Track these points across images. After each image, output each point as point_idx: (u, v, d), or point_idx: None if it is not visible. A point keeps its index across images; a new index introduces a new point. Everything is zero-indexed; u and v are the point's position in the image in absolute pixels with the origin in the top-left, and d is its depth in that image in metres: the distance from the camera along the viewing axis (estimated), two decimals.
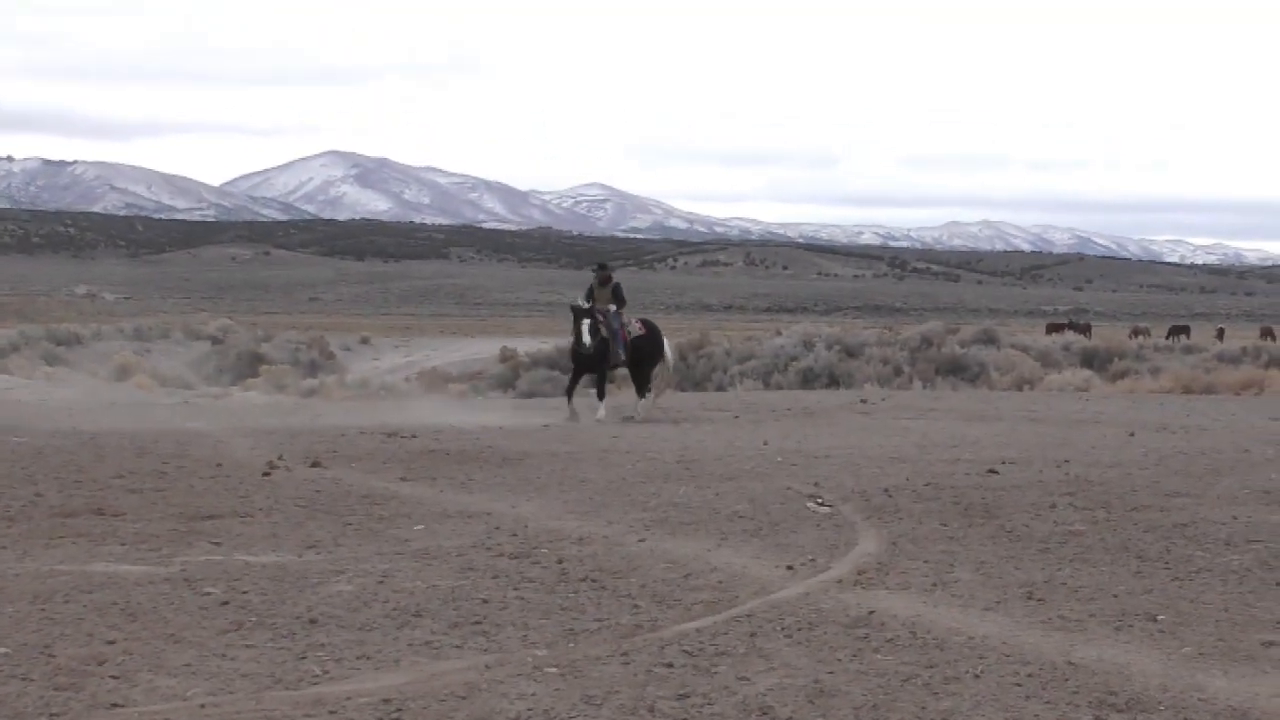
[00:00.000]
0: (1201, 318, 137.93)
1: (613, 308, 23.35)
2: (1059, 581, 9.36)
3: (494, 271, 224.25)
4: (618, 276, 24.27)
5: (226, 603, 8.52)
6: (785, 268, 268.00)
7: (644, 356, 23.52)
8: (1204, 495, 13.28)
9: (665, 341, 24.15)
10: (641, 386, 23.52)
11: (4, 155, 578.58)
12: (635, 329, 23.57)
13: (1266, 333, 72.73)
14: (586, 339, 22.72)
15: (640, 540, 10.75)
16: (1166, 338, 69.33)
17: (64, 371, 44.48)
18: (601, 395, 23.29)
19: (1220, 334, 77.90)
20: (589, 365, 23.10)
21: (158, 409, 26.54)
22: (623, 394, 27.86)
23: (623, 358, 23.23)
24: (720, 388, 38.65)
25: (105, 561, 9.76)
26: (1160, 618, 8.37)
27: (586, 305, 23.21)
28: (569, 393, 23.49)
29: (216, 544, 10.47)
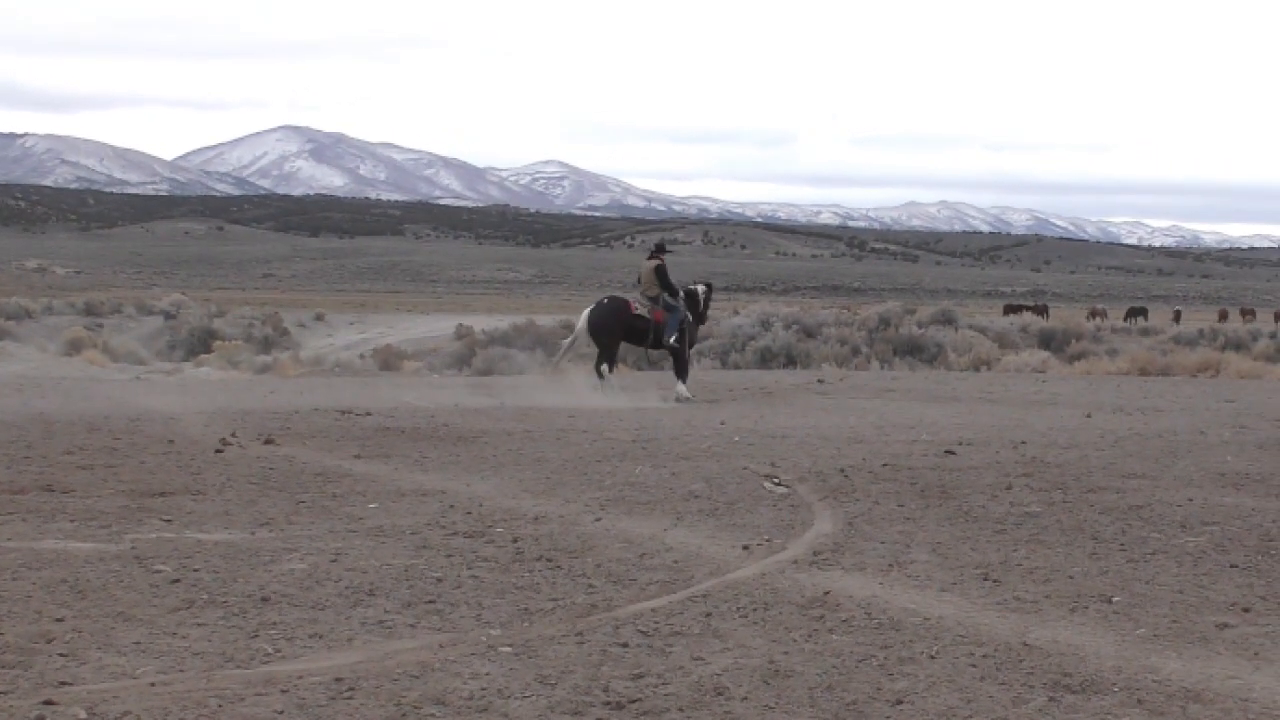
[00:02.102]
0: (1159, 300, 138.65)
1: (701, 289, 24.67)
2: (1015, 563, 9.36)
3: (450, 248, 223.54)
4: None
5: (178, 580, 8.44)
6: (743, 247, 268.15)
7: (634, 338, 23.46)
8: (1160, 477, 13.33)
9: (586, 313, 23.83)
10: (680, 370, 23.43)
11: None
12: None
13: (1224, 315, 73.21)
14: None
15: (596, 519, 10.72)
16: (1124, 319, 69.75)
17: (14, 346, 44.20)
18: (608, 370, 23.31)
19: (1177, 316, 78.36)
20: (637, 341, 23.58)
21: (108, 385, 26.32)
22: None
23: (673, 340, 23.35)
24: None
25: (54, 538, 9.67)
26: (1115, 599, 8.38)
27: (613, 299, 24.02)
28: (596, 369, 23.31)
29: (168, 521, 10.39)
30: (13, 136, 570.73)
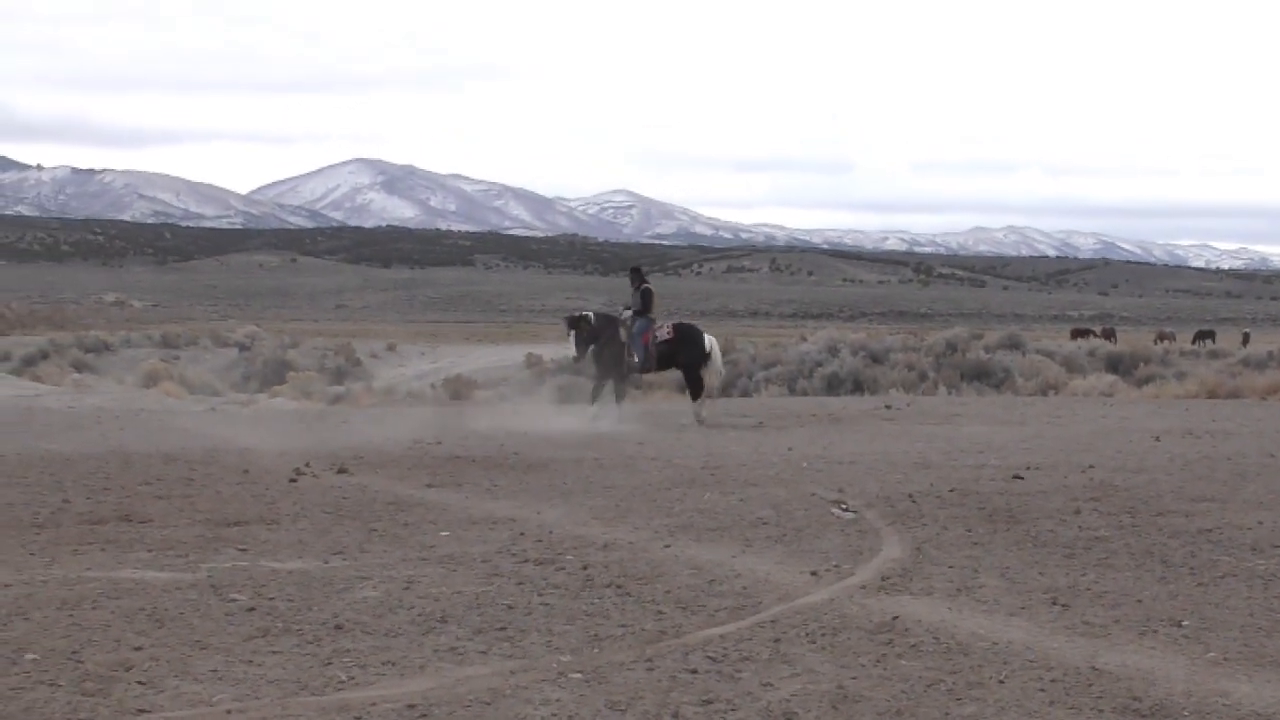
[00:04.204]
0: (1227, 323, 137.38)
1: (627, 313, 23.31)
2: (1084, 587, 9.35)
3: (520, 278, 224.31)
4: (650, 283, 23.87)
5: (253, 609, 8.56)
6: (810, 274, 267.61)
7: (678, 361, 23.36)
8: (1229, 500, 13.23)
9: (709, 341, 23.65)
10: (693, 388, 23.37)
11: (33, 164, 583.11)
12: (663, 334, 23.26)
13: None
14: (573, 350, 22.89)
15: (665, 546, 10.77)
16: (1192, 342, 69.16)
17: (92, 378, 44.90)
18: (619, 397, 23.22)
19: (1245, 339, 77.64)
20: (603, 372, 22.90)
21: (184, 416, 26.63)
22: (662, 402, 27.87)
23: (636, 361, 22.97)
24: (745, 394, 38.60)
25: (133, 568, 9.82)
26: (1185, 623, 8.36)
27: (582, 314, 23.30)
28: (593, 396, 23.17)
29: (243, 550, 10.52)
30: (92, 173, 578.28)
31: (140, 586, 9.14)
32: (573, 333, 22.72)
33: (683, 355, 23.42)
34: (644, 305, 23.23)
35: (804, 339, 48.56)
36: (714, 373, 23.95)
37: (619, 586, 9.30)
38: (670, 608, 8.72)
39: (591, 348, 22.78)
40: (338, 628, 8.12)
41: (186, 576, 9.53)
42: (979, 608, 8.74)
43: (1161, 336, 76.15)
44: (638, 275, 23.95)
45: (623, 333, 22.82)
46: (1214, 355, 52.25)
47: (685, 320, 25.61)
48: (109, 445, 18.18)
